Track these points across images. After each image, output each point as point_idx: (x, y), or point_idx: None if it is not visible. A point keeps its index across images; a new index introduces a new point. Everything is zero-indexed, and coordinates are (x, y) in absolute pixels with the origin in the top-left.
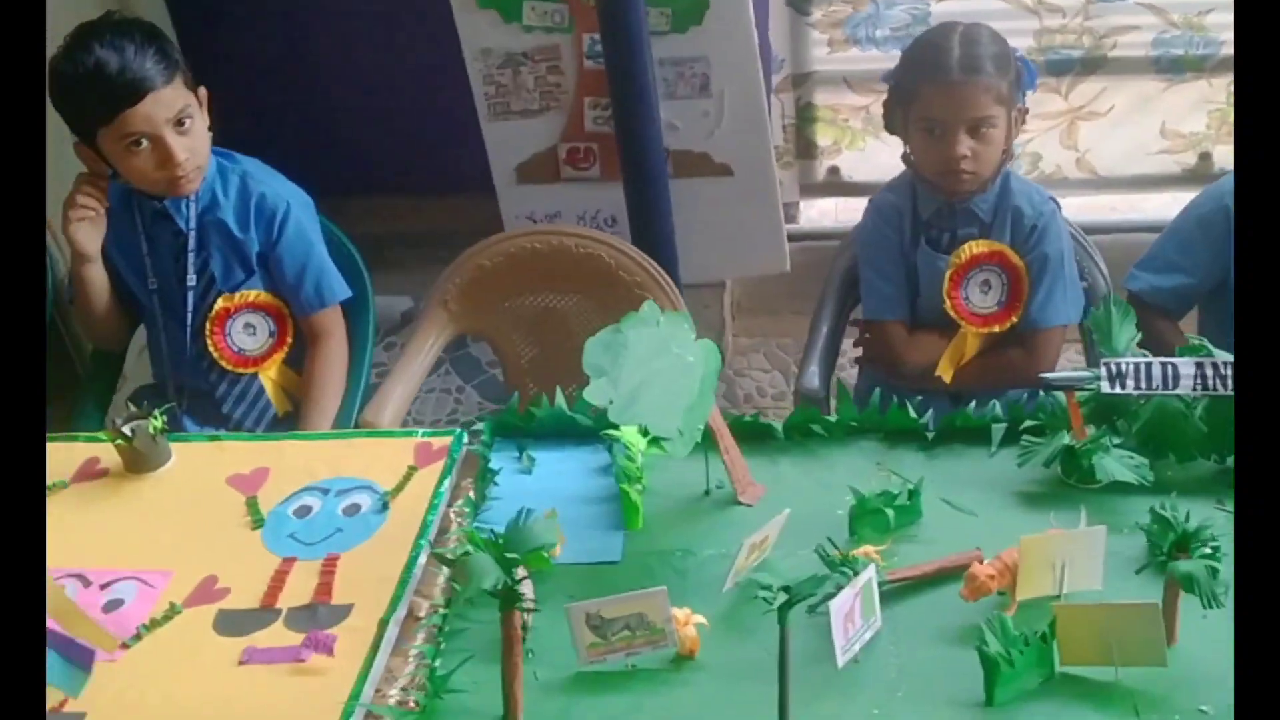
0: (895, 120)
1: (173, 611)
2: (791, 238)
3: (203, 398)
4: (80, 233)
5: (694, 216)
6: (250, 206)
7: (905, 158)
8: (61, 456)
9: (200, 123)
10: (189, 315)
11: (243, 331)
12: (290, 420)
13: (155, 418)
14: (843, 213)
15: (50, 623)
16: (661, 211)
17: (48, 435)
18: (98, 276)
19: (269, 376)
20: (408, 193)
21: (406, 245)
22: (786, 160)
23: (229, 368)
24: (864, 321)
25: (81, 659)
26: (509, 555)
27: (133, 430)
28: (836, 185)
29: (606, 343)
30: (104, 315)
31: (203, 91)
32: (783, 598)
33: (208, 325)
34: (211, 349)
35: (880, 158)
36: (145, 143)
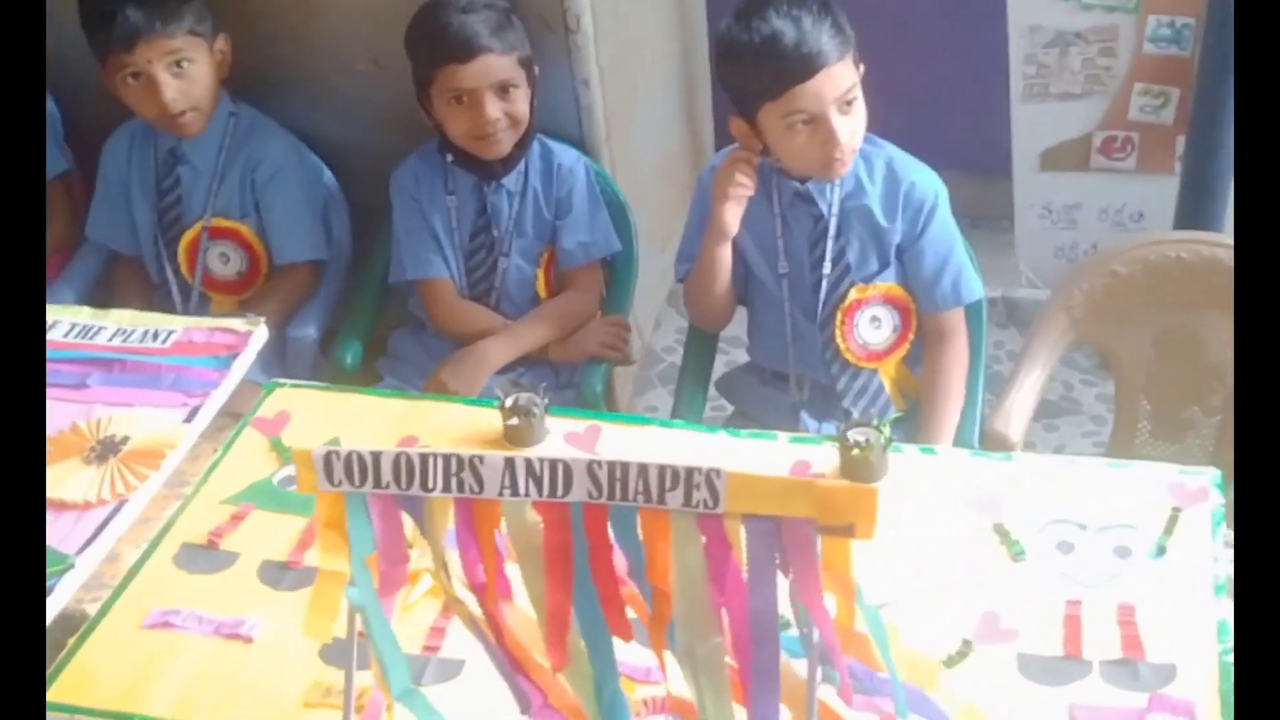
0: None
1: (966, 649)
2: None
3: (822, 390)
4: (729, 212)
5: None
6: (899, 195)
7: None
8: None
9: (861, 105)
10: (819, 304)
11: (869, 325)
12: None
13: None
14: None
15: None
16: None
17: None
18: (726, 256)
19: (888, 373)
20: None
21: None
22: None
23: (853, 361)
24: None
25: None
26: None
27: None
28: None
29: None
30: (721, 295)
31: (862, 68)
32: None
33: (837, 315)
34: (839, 340)
35: None
36: (804, 124)
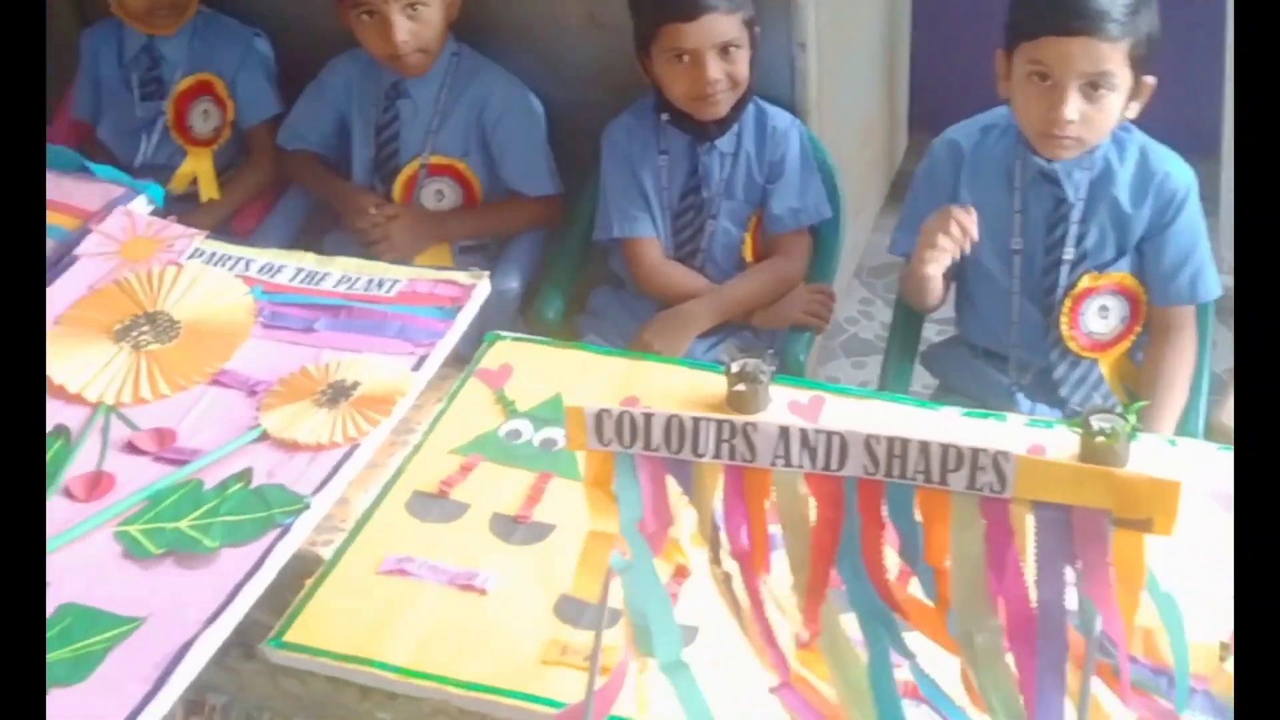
0: None
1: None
2: None
3: (1040, 376)
4: (930, 270)
5: None
6: (1150, 184)
7: None
8: None
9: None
10: (1050, 288)
11: (1096, 314)
12: None
13: None
14: None
15: None
16: None
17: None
18: (935, 286)
19: (1108, 363)
20: None
21: None
22: None
23: (1075, 350)
24: None
25: None
26: None
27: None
28: None
29: None
30: (932, 304)
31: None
32: None
33: (1066, 302)
34: (1064, 327)
35: None
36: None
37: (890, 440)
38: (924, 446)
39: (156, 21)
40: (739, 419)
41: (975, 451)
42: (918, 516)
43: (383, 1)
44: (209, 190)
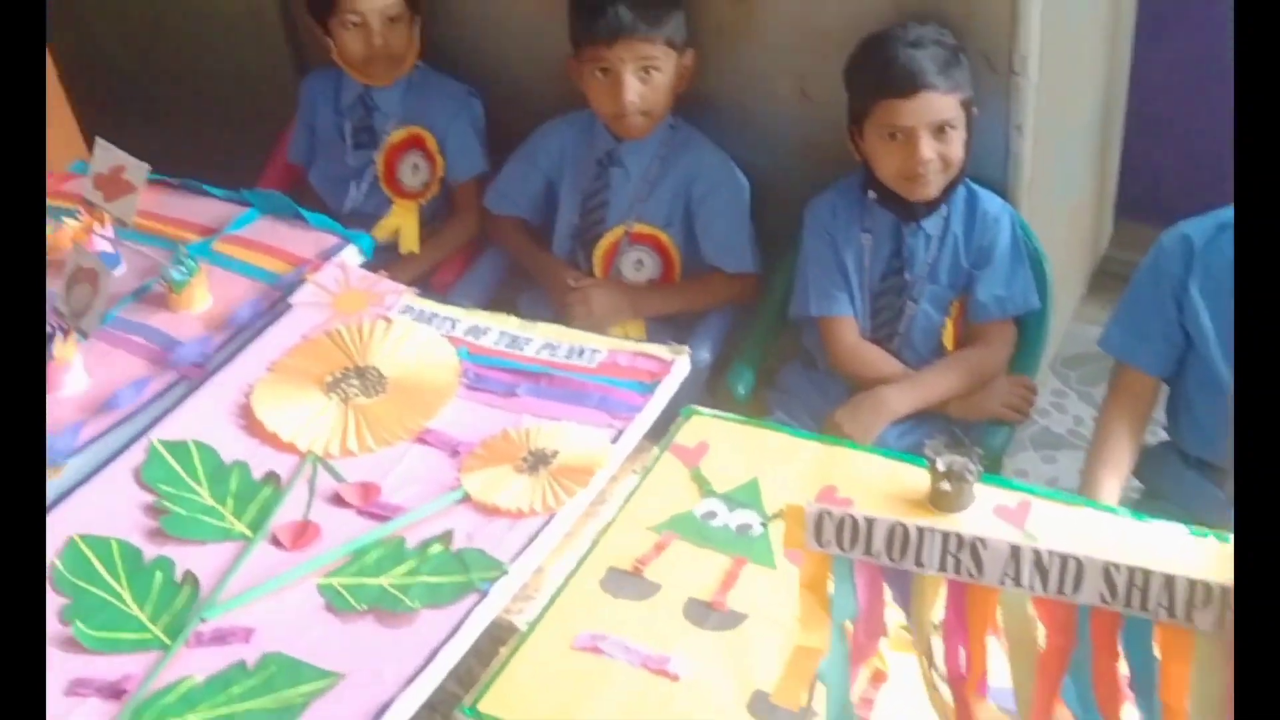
0: None
1: None
2: None
3: None
4: None
5: None
6: None
7: None
8: None
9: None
10: None
11: None
12: None
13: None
14: None
15: None
16: None
17: None
18: None
19: None
20: None
21: None
22: None
23: None
24: None
25: None
26: None
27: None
28: None
29: None
30: None
31: None
32: None
33: None
34: None
35: None
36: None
37: (1131, 570)
38: (1169, 580)
39: (374, 72)
40: (967, 533)
41: (1225, 590)
42: (1156, 651)
43: (619, 60)
44: (410, 244)
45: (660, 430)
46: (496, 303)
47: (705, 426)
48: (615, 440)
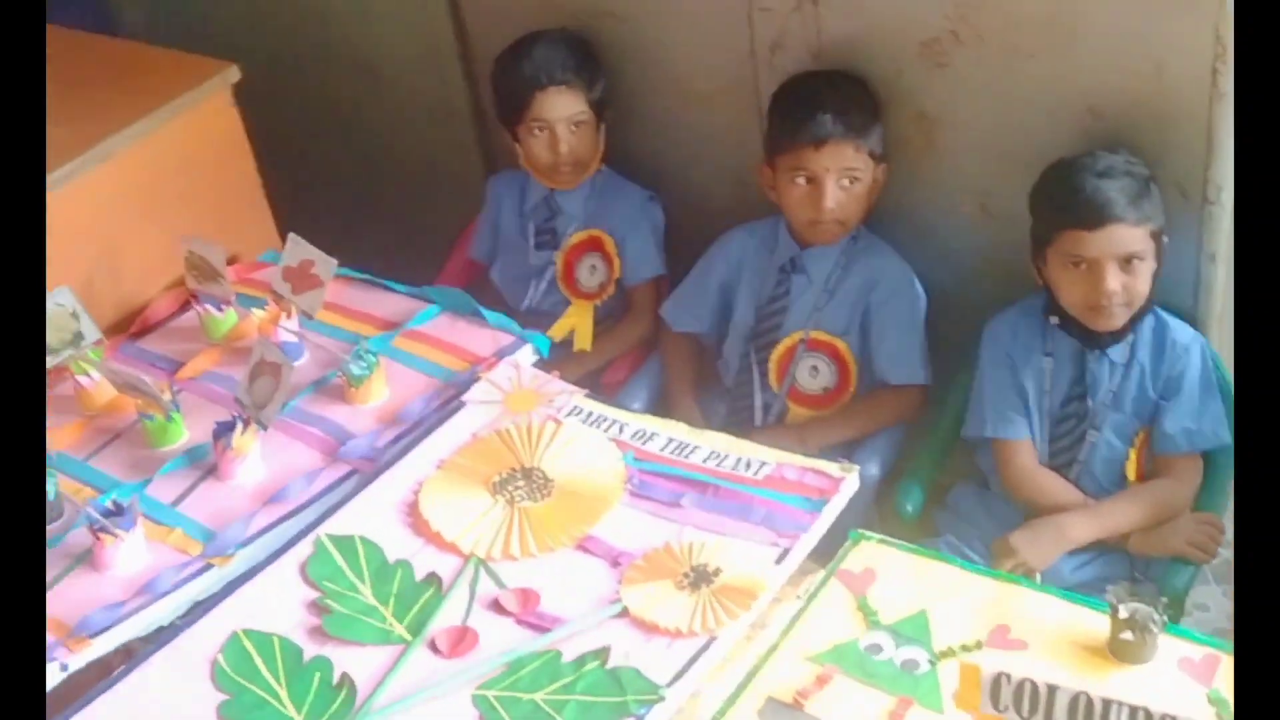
0: None
1: None
2: None
3: None
4: None
5: None
6: None
7: None
8: None
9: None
10: None
11: None
12: None
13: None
14: None
15: None
16: None
17: None
18: None
19: None
20: None
21: None
22: None
23: None
24: None
25: None
26: None
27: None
28: None
29: None
30: None
31: None
32: None
33: None
34: None
35: None
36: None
37: None
38: None
39: (559, 176)
40: (1157, 709)
41: None
42: None
43: (824, 170)
44: (584, 342)
45: (821, 547)
46: (665, 403)
47: (873, 553)
48: (779, 560)
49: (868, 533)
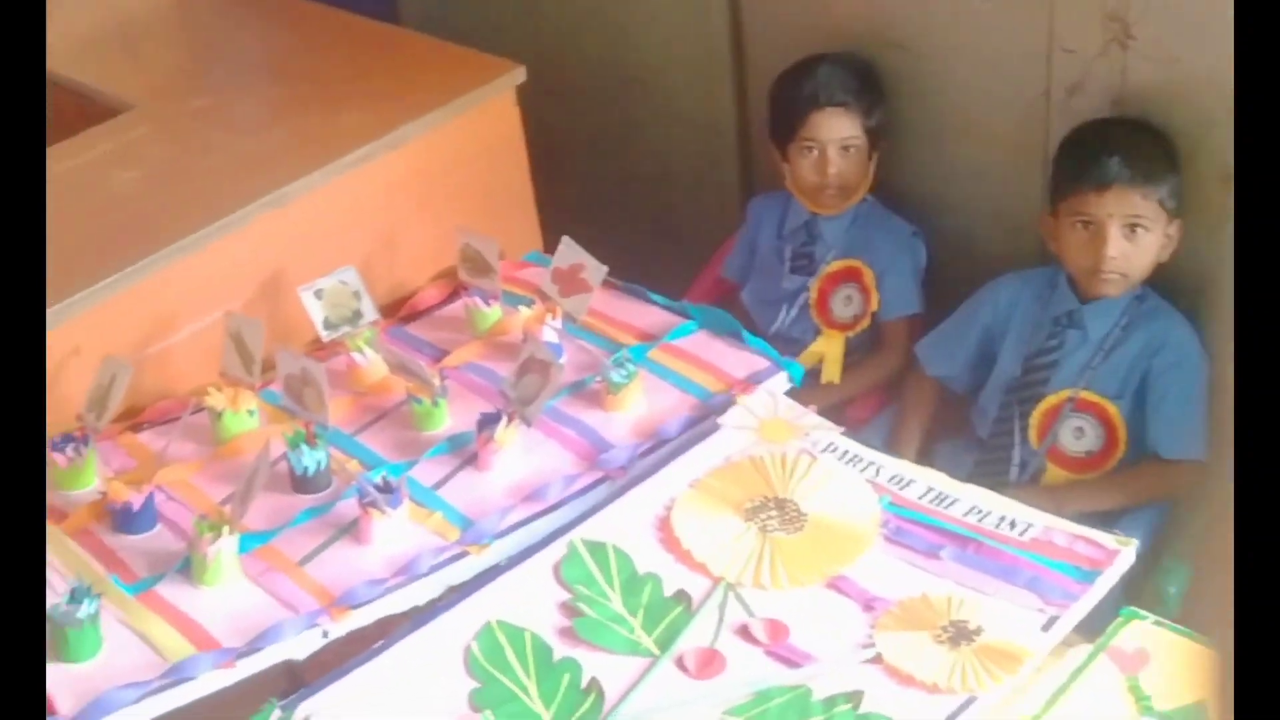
0: None
1: None
2: None
3: None
4: None
5: None
6: None
7: None
8: None
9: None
10: None
11: None
12: None
13: None
14: None
15: None
16: None
17: None
18: None
19: None
20: None
21: None
22: None
23: None
24: None
25: None
26: None
27: None
28: None
29: None
30: None
31: None
32: None
33: None
34: None
35: None
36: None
37: None
38: None
39: (824, 199)
40: None
41: None
42: None
43: (1106, 216)
44: (832, 374)
45: (1082, 623)
46: (890, 438)
47: (1147, 633)
48: (1045, 627)
49: (1141, 611)
